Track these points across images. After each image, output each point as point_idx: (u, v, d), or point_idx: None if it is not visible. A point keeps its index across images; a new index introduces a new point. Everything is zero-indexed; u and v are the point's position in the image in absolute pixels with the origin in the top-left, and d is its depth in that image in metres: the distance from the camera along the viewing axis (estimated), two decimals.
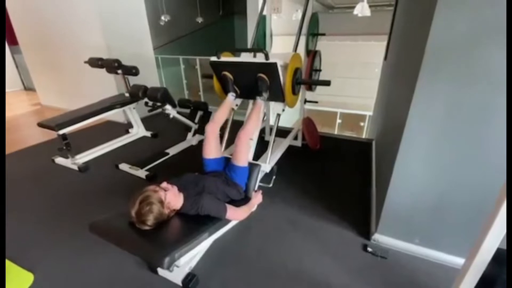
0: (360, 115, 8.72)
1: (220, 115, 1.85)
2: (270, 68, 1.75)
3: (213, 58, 1.89)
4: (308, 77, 2.69)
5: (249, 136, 1.76)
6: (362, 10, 4.70)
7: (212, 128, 1.76)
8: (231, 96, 1.94)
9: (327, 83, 2.04)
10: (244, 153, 1.72)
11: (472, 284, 0.91)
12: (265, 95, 1.87)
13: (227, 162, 1.77)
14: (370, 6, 4.77)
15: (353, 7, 4.94)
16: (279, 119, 2.07)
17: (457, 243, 1.50)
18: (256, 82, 1.83)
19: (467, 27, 1.09)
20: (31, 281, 1.51)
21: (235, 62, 1.88)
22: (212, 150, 1.76)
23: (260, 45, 2.78)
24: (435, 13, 1.11)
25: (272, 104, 2.11)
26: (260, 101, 1.87)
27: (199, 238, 1.29)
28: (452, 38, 1.13)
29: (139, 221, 1.24)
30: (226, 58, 1.92)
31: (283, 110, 2.07)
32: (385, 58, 3.25)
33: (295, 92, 2.01)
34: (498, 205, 0.78)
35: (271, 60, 1.71)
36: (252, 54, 2.20)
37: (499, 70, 1.09)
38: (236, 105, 2.13)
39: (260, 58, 1.82)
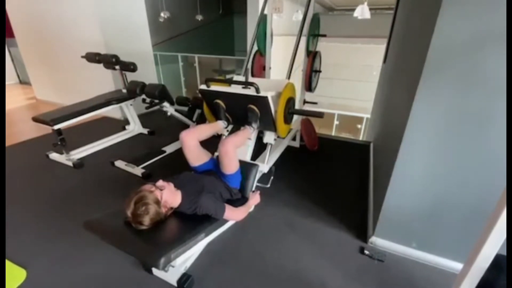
0: (357, 117, 8.76)
1: (204, 132, 1.72)
2: (261, 101, 1.71)
3: (203, 86, 1.83)
4: (308, 77, 2.68)
5: (234, 146, 1.63)
6: (362, 12, 4.72)
7: (191, 138, 1.61)
8: (222, 123, 1.85)
9: (320, 115, 1.97)
10: (232, 162, 1.62)
11: None
12: (255, 125, 1.82)
13: (218, 162, 1.69)
14: (370, 9, 4.79)
15: (353, 10, 4.95)
16: (271, 148, 2.04)
17: (455, 248, 1.50)
18: (247, 112, 1.79)
19: (470, 32, 1.09)
20: (24, 277, 1.48)
21: (225, 93, 1.82)
22: (198, 157, 1.67)
23: (260, 45, 2.76)
24: (438, 18, 1.11)
25: (264, 133, 2.04)
26: (248, 128, 1.80)
27: (195, 238, 1.27)
28: (455, 43, 1.13)
29: (135, 221, 1.22)
30: (216, 87, 1.85)
31: (275, 139, 2.03)
32: (384, 61, 3.26)
33: (287, 121, 1.95)
34: (498, 211, 0.78)
35: (262, 94, 1.65)
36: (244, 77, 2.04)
37: (501, 75, 1.09)
38: (227, 130, 2.02)
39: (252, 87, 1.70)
